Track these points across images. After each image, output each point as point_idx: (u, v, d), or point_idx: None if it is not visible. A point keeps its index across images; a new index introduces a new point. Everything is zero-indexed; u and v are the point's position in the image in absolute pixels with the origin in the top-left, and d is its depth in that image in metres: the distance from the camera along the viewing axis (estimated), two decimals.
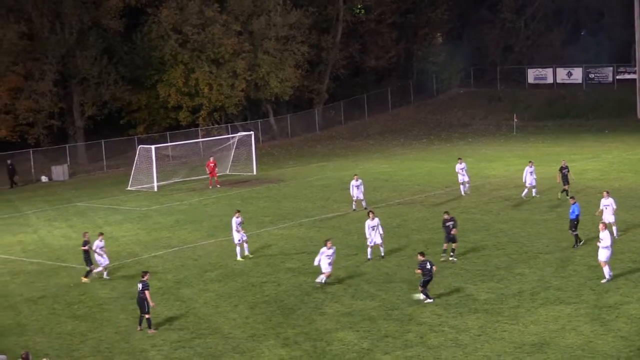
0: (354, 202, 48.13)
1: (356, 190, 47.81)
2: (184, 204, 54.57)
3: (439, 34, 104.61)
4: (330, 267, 33.16)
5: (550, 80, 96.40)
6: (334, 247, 33.79)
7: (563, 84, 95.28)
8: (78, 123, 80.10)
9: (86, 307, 32.77)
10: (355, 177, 48.58)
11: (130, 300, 33.11)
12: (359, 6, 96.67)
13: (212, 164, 60.07)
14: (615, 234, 37.33)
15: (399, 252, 37.85)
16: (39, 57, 76.93)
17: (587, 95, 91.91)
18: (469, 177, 50.96)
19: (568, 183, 47.82)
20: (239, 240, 38.59)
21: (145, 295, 29.10)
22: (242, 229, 38.85)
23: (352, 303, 30.83)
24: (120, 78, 79.97)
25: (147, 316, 29.15)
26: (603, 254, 31.86)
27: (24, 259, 41.58)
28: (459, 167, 50.74)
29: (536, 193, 48.94)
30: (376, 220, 36.84)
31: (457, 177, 51.10)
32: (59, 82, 78.25)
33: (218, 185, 59.77)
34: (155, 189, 60.41)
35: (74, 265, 39.40)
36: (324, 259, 33.03)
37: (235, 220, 38.47)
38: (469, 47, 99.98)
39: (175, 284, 35.25)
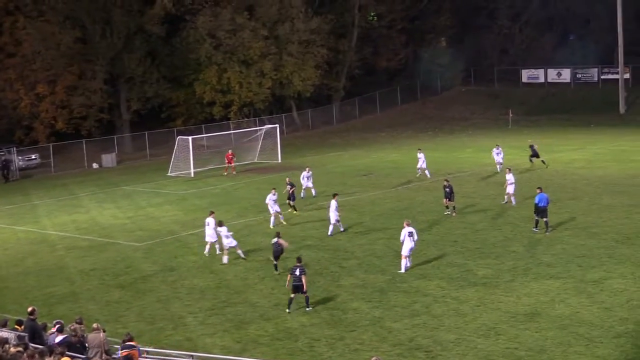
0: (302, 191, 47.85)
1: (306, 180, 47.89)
2: (217, 188, 54.50)
3: (443, 39, 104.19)
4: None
5: (542, 80, 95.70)
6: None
7: (553, 83, 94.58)
8: (125, 116, 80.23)
9: (131, 278, 32.82)
10: (307, 168, 49.04)
11: (170, 272, 33.20)
12: (372, 14, 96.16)
13: (230, 155, 60.43)
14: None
15: None
16: (91, 59, 76.95)
17: (574, 93, 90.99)
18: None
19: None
20: (275, 211, 40.84)
21: (303, 280, 27.25)
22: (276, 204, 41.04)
23: (365, 277, 30.70)
24: (162, 77, 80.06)
25: (306, 294, 27.49)
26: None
27: (78, 236, 41.65)
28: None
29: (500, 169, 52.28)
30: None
31: (462, 164, 50.72)
32: (108, 81, 78.26)
33: (234, 172, 59.77)
34: (192, 175, 60.36)
35: (120, 242, 39.47)
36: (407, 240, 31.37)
37: (270, 197, 40.84)
38: (470, 50, 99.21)
39: (210, 258, 35.14)
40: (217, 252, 35.43)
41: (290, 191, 43.59)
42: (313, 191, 48.19)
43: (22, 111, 74.80)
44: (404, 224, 31.75)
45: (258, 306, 28.14)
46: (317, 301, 28.15)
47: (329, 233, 37.91)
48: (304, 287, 27.24)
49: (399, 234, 31.67)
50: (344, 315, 26.69)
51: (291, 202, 43.54)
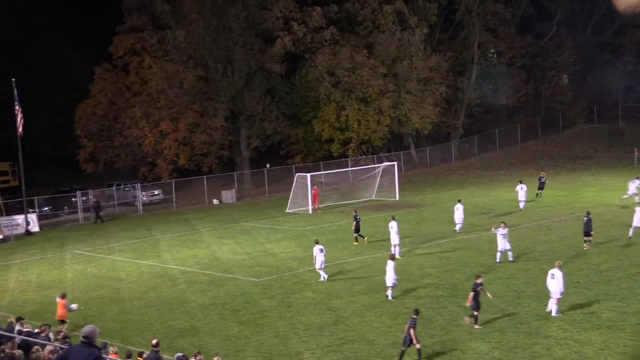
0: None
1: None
2: (335, 225, 54.78)
3: (564, 75, 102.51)
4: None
5: None
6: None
7: None
8: (244, 153, 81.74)
9: (250, 313, 33.23)
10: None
11: (287, 308, 33.48)
12: (492, 51, 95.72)
13: (315, 193, 62.34)
14: None
15: (527, 271, 36.98)
16: (212, 97, 78.93)
17: None
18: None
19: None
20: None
21: (411, 333, 25.49)
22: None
23: (483, 316, 30.25)
24: (281, 114, 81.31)
25: (417, 348, 25.67)
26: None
27: (198, 270, 42.50)
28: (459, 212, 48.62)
29: None
30: (506, 229, 39.37)
31: (585, 204, 49.72)
32: (229, 118, 79.98)
33: (319, 211, 61.42)
34: (310, 211, 60.91)
35: (239, 277, 40.05)
36: None
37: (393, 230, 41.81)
38: (593, 87, 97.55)
39: (327, 295, 35.35)
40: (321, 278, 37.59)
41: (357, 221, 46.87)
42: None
43: (146, 148, 77.28)
44: (555, 265, 30.89)
45: (375, 344, 28.04)
46: (436, 340, 27.90)
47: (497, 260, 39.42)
48: (413, 340, 25.49)
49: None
50: (462, 355, 26.34)
51: (357, 234, 46.73)
